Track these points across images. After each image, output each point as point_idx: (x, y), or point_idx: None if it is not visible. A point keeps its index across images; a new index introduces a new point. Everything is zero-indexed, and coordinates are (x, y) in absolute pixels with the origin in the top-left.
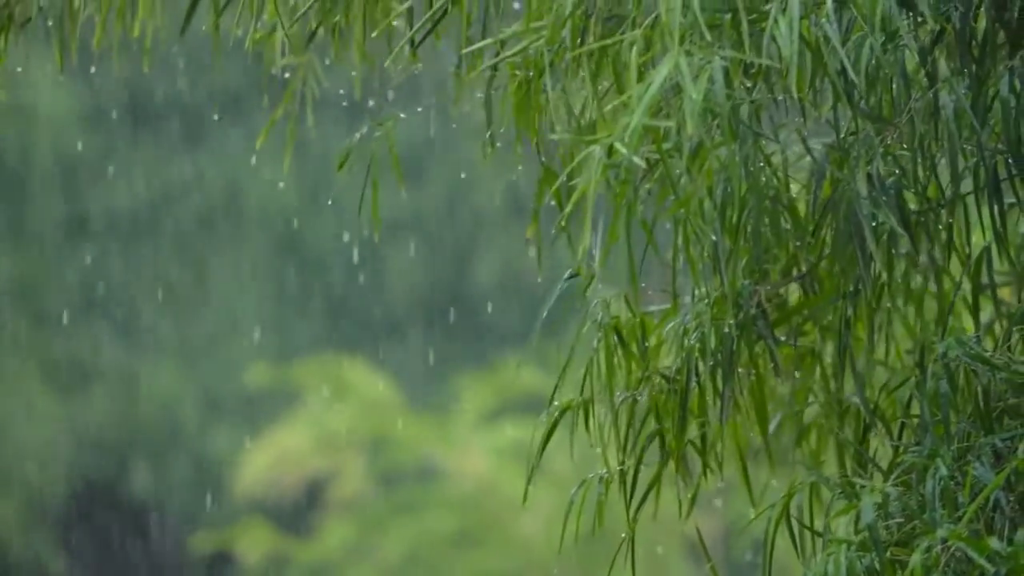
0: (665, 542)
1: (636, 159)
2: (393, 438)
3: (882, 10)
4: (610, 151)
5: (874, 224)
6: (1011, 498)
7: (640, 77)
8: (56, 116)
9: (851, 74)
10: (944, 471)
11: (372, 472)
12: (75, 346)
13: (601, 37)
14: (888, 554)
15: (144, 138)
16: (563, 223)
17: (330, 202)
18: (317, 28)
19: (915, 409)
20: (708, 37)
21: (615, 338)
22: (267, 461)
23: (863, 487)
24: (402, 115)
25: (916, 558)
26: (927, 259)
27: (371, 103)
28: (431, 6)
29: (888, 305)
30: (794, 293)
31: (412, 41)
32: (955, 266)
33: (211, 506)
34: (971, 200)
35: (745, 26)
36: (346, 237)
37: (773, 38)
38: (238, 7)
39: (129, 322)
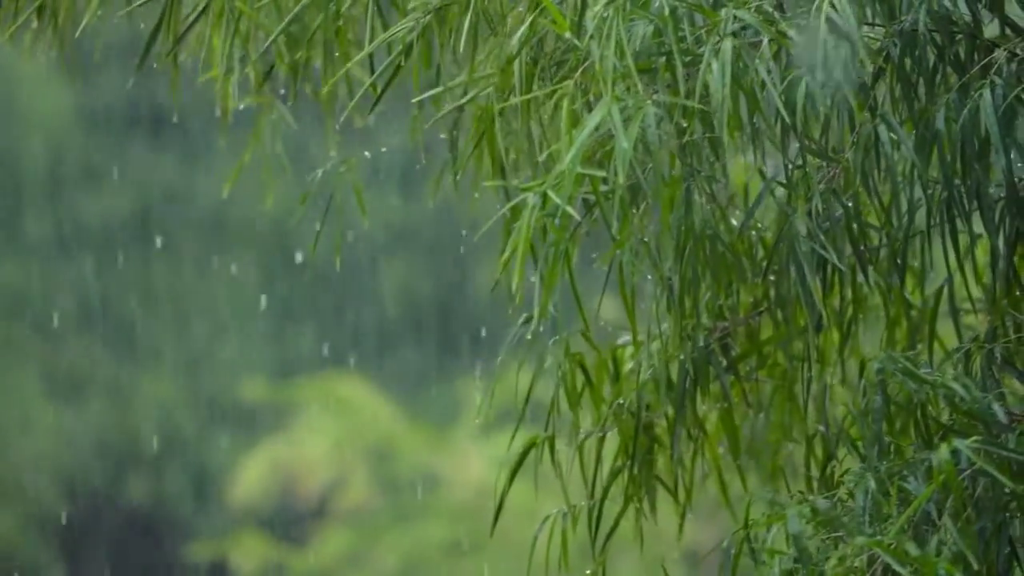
0: (662, 551)
1: (569, 208)
2: (392, 447)
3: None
4: (544, 199)
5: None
6: (942, 510)
7: (576, 123)
8: (51, 121)
9: (784, 114)
10: (873, 485)
11: (370, 481)
12: (73, 356)
13: (551, 82)
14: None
15: (139, 146)
16: (502, 269)
17: (297, 221)
18: (271, 68)
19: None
20: (639, 85)
21: (580, 373)
22: (263, 471)
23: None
24: (367, 153)
25: (831, 564)
26: (884, 291)
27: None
28: (389, 51)
29: (850, 334)
30: (765, 326)
31: (374, 86)
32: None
33: (208, 516)
34: (932, 228)
35: (680, 69)
36: (344, 247)
37: (705, 82)
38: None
39: (126, 332)
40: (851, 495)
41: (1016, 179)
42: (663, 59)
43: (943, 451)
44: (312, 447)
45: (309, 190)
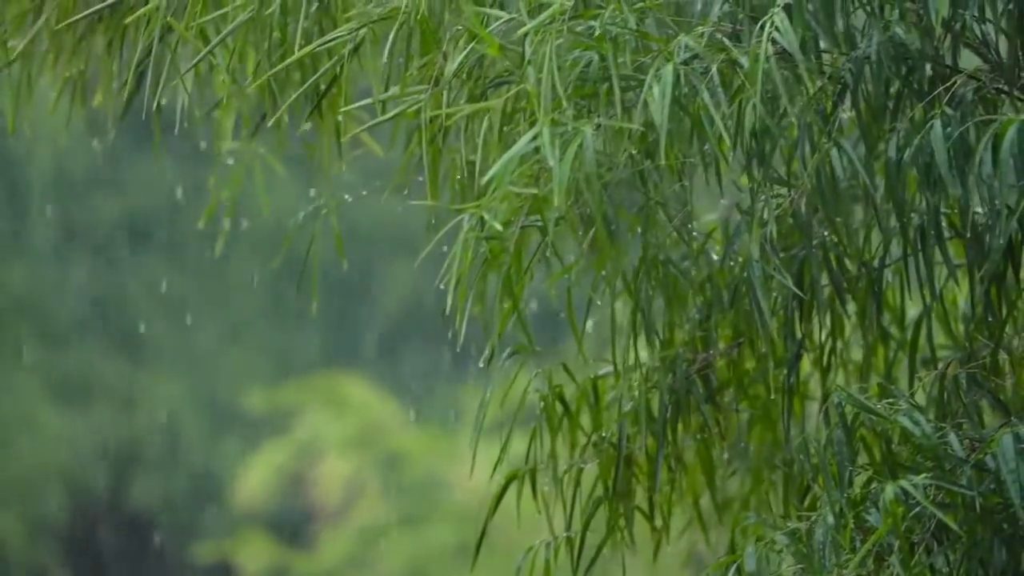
0: (664, 553)
1: (497, 225)
2: (395, 451)
3: (770, 74)
4: (481, 221)
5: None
6: (902, 543)
7: (503, 141)
8: (56, 126)
9: (726, 137)
10: (831, 519)
11: (375, 485)
12: (77, 360)
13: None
14: None
15: (144, 152)
16: (452, 299)
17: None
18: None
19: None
20: (569, 108)
21: (560, 406)
22: (268, 474)
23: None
24: (347, 197)
25: None
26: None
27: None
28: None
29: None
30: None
31: (316, 97)
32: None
33: (211, 518)
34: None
35: (618, 95)
36: (347, 251)
37: (646, 104)
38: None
39: (131, 335)
40: (810, 529)
41: (973, 210)
42: (606, 85)
43: (888, 491)
44: (317, 450)
45: (294, 229)
